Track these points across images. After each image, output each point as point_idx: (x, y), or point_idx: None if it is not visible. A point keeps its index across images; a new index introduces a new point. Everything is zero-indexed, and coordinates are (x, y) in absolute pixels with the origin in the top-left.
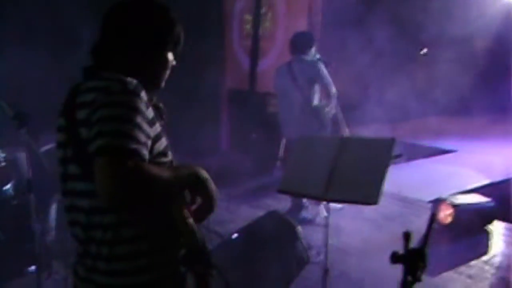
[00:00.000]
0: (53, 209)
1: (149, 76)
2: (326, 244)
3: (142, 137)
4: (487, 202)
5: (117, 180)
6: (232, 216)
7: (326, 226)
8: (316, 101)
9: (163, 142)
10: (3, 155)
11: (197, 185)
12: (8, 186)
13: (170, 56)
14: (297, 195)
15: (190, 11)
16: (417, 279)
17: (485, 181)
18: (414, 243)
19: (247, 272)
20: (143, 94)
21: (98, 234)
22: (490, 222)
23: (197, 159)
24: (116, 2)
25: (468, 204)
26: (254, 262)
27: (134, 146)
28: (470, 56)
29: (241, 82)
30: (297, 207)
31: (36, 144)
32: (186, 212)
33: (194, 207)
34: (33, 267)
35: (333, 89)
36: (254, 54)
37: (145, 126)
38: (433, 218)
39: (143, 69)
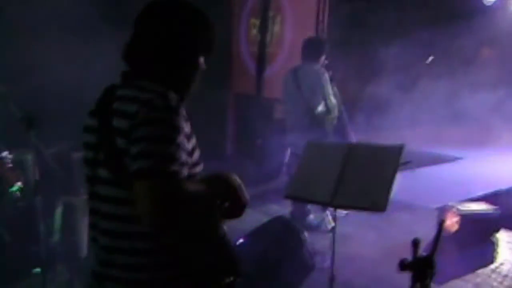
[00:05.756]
0: (59, 211)
1: (184, 80)
2: (332, 251)
3: (183, 156)
4: (494, 210)
5: (161, 205)
6: (237, 221)
7: (332, 233)
8: (320, 108)
9: (197, 153)
10: (10, 156)
11: (230, 192)
12: (16, 187)
13: (202, 60)
14: (304, 201)
15: None
16: (425, 287)
17: (491, 189)
18: (420, 250)
19: (253, 278)
20: (183, 110)
21: (123, 242)
22: (496, 230)
23: (203, 163)
24: (150, 3)
25: (475, 212)
26: (259, 268)
27: (176, 168)
28: (478, 64)
29: (248, 87)
30: (302, 213)
31: (44, 146)
32: (220, 221)
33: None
34: (38, 269)
35: (333, 100)
36: (261, 59)
37: (185, 143)
38: (441, 225)
39: (178, 74)
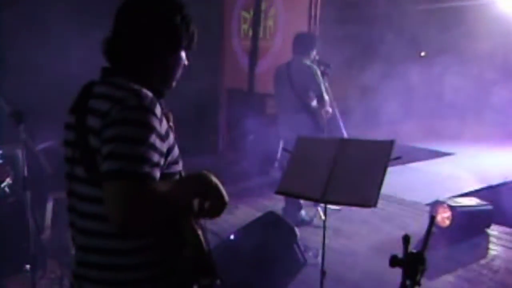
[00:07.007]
0: (49, 207)
1: (162, 76)
2: (323, 246)
3: (155, 157)
4: (485, 205)
5: (129, 208)
6: (229, 216)
7: (323, 228)
8: (313, 103)
9: (175, 152)
10: (0, 152)
11: (207, 192)
12: (5, 183)
13: (183, 55)
14: (295, 197)
15: (189, 9)
16: (416, 283)
17: (483, 185)
18: (412, 245)
19: (244, 274)
20: (157, 109)
21: (98, 241)
22: (487, 225)
23: (194, 158)
24: None
25: (466, 207)
26: (251, 263)
27: (147, 169)
28: (470, 60)
29: (240, 82)
30: (294, 208)
31: (33, 142)
32: (194, 223)
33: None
34: (28, 266)
35: (326, 97)
36: (253, 54)
37: (158, 144)
38: (432, 221)
39: (157, 69)
